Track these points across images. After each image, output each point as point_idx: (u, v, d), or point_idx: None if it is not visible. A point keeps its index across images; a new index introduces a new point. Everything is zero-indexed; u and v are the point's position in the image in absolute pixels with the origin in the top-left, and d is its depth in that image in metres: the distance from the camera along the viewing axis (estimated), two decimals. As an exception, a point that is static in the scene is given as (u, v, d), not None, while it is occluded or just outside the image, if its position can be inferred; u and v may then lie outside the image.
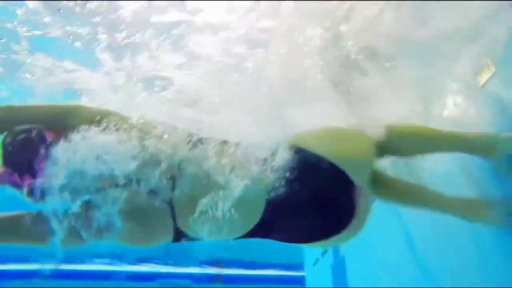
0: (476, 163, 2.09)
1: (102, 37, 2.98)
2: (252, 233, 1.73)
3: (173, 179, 1.61)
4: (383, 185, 1.87)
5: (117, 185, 1.54)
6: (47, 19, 2.94)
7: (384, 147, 1.79)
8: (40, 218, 1.52)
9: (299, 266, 7.77)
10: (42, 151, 1.57)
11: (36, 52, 3.13)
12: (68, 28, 2.99)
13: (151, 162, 1.57)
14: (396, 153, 1.92)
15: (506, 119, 2.02)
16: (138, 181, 1.56)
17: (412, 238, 3.02)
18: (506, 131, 1.97)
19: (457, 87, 2.32)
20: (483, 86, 2.15)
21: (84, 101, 2.27)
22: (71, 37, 3.03)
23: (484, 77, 2.14)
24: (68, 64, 3.16)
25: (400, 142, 1.87)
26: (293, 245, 1.99)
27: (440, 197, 1.93)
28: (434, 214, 2.51)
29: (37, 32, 3.04)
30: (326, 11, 2.25)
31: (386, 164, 1.94)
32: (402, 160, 1.97)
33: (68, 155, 1.50)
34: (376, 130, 1.80)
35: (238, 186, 1.57)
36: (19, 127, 1.63)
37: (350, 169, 1.67)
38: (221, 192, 1.56)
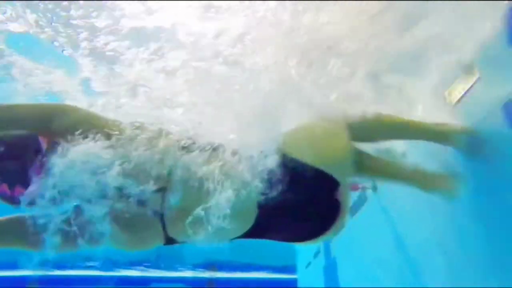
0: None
1: (84, 42, 2.97)
2: (245, 235, 1.76)
3: (162, 191, 1.62)
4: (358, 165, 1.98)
5: (106, 195, 1.53)
6: (28, 20, 2.92)
7: (354, 135, 1.92)
8: (33, 223, 1.52)
9: (291, 269, 7.78)
10: (34, 160, 1.56)
11: (16, 53, 3.10)
12: (49, 30, 2.97)
13: (141, 173, 1.57)
14: (364, 140, 2.08)
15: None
16: (127, 192, 1.55)
17: (403, 239, 3.05)
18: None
19: (429, 100, 2.41)
20: (457, 102, 2.25)
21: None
22: (53, 39, 3.01)
23: (458, 94, 2.23)
24: (48, 67, 3.13)
25: (369, 131, 2.06)
26: (285, 246, 2.06)
27: (401, 169, 2.13)
28: (424, 214, 2.58)
29: (18, 31, 3.01)
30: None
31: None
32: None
33: (62, 165, 1.49)
34: (346, 119, 1.93)
35: (229, 194, 1.58)
36: (11, 134, 1.63)
37: (335, 172, 1.76)
38: (212, 201, 1.57)
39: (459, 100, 2.23)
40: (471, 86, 2.13)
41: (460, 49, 2.15)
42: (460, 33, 2.11)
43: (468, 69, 2.14)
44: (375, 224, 3.50)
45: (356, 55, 2.22)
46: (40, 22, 2.92)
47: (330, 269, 4.84)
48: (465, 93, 2.18)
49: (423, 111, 2.37)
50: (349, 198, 1.92)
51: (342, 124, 1.91)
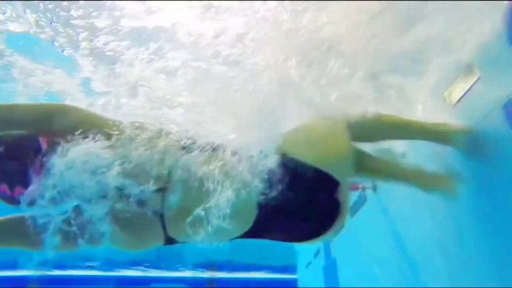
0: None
1: (84, 42, 2.97)
2: (245, 235, 1.76)
3: (162, 191, 1.62)
4: (359, 165, 1.98)
5: (106, 196, 1.53)
6: (28, 19, 2.92)
7: (354, 135, 1.92)
8: (33, 223, 1.52)
9: (291, 269, 7.78)
10: (34, 161, 1.56)
11: (16, 53, 3.10)
12: (49, 30, 2.97)
13: (141, 173, 1.57)
14: (364, 140, 2.09)
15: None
16: (127, 192, 1.55)
17: (403, 238, 3.05)
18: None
19: (430, 102, 2.42)
20: (456, 102, 2.25)
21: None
22: (53, 39, 3.01)
23: (457, 95, 2.23)
24: (48, 67, 3.13)
25: (369, 131, 2.07)
26: (285, 246, 2.06)
27: (402, 169, 2.15)
28: (424, 215, 2.59)
29: (18, 31, 3.01)
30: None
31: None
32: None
33: (60, 165, 1.49)
34: (346, 119, 1.94)
35: (229, 194, 1.58)
36: (12, 134, 1.63)
37: (335, 172, 1.76)
38: (212, 201, 1.57)
39: (459, 100, 2.23)
40: (471, 86, 2.14)
41: (460, 49, 2.15)
42: (460, 33, 2.12)
43: (468, 69, 2.15)
44: (375, 224, 3.50)
45: (356, 55, 2.22)
46: (40, 22, 2.92)
47: (330, 269, 4.85)
48: (465, 93, 2.18)
49: (423, 111, 2.38)
50: (349, 198, 1.92)
51: (342, 124, 1.91)
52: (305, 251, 6.34)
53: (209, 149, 1.70)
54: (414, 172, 2.12)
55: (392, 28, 2.18)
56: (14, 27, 2.96)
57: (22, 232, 1.53)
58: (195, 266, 9.69)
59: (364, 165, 2.02)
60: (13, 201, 1.59)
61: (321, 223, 1.82)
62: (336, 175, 1.76)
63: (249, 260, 9.56)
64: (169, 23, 2.76)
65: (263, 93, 2.04)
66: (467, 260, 2.21)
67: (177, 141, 1.73)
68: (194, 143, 1.73)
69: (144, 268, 9.56)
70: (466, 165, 2.14)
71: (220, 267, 9.67)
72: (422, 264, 2.74)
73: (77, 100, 3.02)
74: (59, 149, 1.51)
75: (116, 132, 1.62)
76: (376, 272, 3.45)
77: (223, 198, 1.57)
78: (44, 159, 1.53)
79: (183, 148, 1.71)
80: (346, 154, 1.85)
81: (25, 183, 1.54)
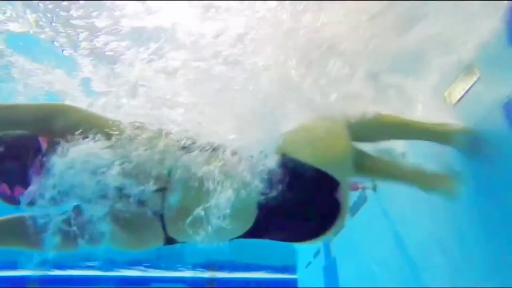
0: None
1: (84, 42, 2.97)
2: (245, 236, 1.77)
3: (163, 191, 1.62)
4: (359, 165, 1.98)
5: (106, 196, 1.53)
6: (28, 19, 2.92)
7: (354, 135, 1.93)
8: (33, 223, 1.52)
9: (291, 269, 7.78)
10: (34, 161, 1.56)
11: (16, 53, 3.10)
12: (49, 30, 2.97)
13: (141, 173, 1.57)
14: (364, 140, 2.10)
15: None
16: (127, 192, 1.55)
17: (403, 238, 3.05)
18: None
19: (430, 101, 2.42)
20: (457, 102, 2.25)
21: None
22: (53, 39, 3.01)
23: (457, 94, 2.23)
24: (48, 67, 3.13)
25: (369, 130, 2.07)
26: (285, 246, 2.06)
27: (404, 168, 2.15)
28: (423, 214, 2.59)
29: (18, 31, 3.01)
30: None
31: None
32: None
33: (60, 165, 1.49)
34: (346, 119, 1.94)
35: (229, 194, 1.58)
36: (12, 134, 1.63)
37: (334, 171, 1.76)
38: (212, 201, 1.57)
39: (459, 100, 2.23)
40: (471, 86, 2.13)
41: (460, 49, 2.15)
42: (460, 33, 2.11)
43: (468, 69, 2.15)
44: (375, 224, 3.50)
45: (356, 55, 2.22)
46: (40, 22, 2.92)
47: (330, 269, 4.85)
48: (465, 93, 2.18)
49: (423, 111, 2.38)
50: (349, 198, 1.92)
51: (342, 124, 1.92)
52: (305, 251, 6.33)
53: (209, 149, 1.70)
54: (414, 172, 2.12)
55: (392, 28, 2.17)
56: (14, 27, 2.96)
57: (22, 232, 1.54)
58: (195, 266, 9.69)
59: (364, 165, 2.02)
60: (13, 201, 1.59)
61: (321, 223, 1.83)
62: (336, 175, 1.76)
63: (249, 260, 9.55)
64: (169, 23, 2.76)
65: (263, 93, 2.03)
66: (467, 260, 2.21)
67: (177, 141, 1.73)
68: (194, 143, 1.73)
69: (144, 268, 9.56)
70: (466, 165, 2.14)
71: (220, 267, 9.67)
72: (422, 264, 2.74)
73: (77, 100, 3.02)
74: (59, 149, 1.52)
75: (116, 132, 1.62)
76: (376, 272, 3.45)
77: (223, 198, 1.57)
78: (44, 159, 1.53)
79: (183, 148, 1.71)
80: (346, 154, 1.85)
81: (25, 183, 1.54)
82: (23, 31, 2.97)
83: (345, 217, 1.84)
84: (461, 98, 2.21)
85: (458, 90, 2.24)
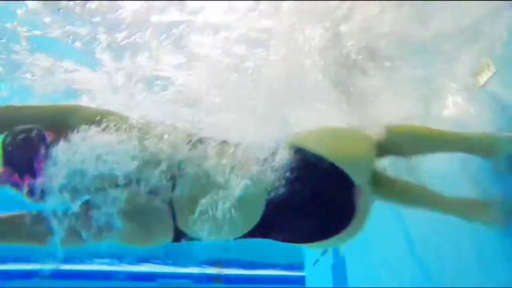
0: (476, 163, 2.08)
1: (102, 37, 2.98)
2: (252, 233, 1.73)
3: (173, 180, 1.62)
4: (383, 185, 1.88)
5: (117, 185, 1.54)
6: (47, 19, 2.95)
7: (384, 147, 1.79)
8: (40, 218, 1.52)
9: (299, 266, 7.76)
10: (42, 151, 1.57)
11: (36, 52, 3.13)
12: (68, 28, 2.99)
13: (151, 162, 1.58)
14: (396, 153, 1.92)
15: (505, 119, 2.02)
16: (138, 181, 1.56)
17: (412, 238, 3.02)
18: (506, 131, 1.96)
19: (457, 87, 2.31)
20: (483, 86, 2.15)
21: (84, 101, 2.27)
22: (71, 37, 3.03)
23: (484, 77, 2.14)
24: (68, 64, 3.16)
25: (400, 142, 1.87)
26: (293, 245, 2.00)
27: (440, 197, 1.93)
28: (434, 214, 2.54)
29: (37, 32, 3.04)
30: (326, 11, 2.24)
31: (386, 164, 1.94)
32: (402, 160, 1.96)
33: (68, 155, 1.50)
34: (375, 130, 1.79)
35: (238, 186, 1.57)
36: (20, 127, 1.64)
37: (350, 169, 1.67)
38: (221, 192, 1.56)
39: (485, 83, 2.10)
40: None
41: (487, 41, 2.05)
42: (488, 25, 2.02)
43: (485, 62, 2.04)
44: (385, 222, 3.46)
45: (374, 47, 2.15)
46: (58, 20, 2.93)
47: (339, 267, 4.82)
48: (491, 77, 2.06)
49: (453, 105, 2.25)
50: (370, 205, 1.78)
51: (371, 138, 1.78)
52: (313, 249, 6.31)
53: (221, 142, 1.69)
54: (450, 201, 1.94)
55: (415, 18, 2.09)
56: (34, 26, 2.98)
57: (27, 228, 1.54)
58: (202, 263, 9.73)
59: (384, 186, 1.87)
60: (28, 192, 1.59)
61: (333, 222, 1.75)
62: (352, 174, 1.67)
63: (256, 258, 9.56)
64: (191, 17, 2.73)
65: (278, 88, 2.00)
66: (479, 262, 2.17)
67: (189, 134, 1.72)
68: (205, 136, 1.72)
69: (151, 264, 9.62)
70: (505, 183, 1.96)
71: (227, 264, 9.69)
72: (433, 265, 2.71)
73: (95, 94, 3.03)
74: (69, 141, 1.52)
75: (129, 126, 1.62)
76: (386, 272, 3.42)
77: (232, 189, 1.56)
78: (54, 150, 1.54)
79: (195, 140, 1.70)
80: (366, 154, 1.73)
81: (36, 174, 1.55)
82: (42, 33, 2.98)
83: (361, 223, 1.74)
84: (487, 81, 2.09)
85: (485, 73, 2.11)
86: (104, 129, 1.56)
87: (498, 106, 2.04)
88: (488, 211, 1.89)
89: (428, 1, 2.08)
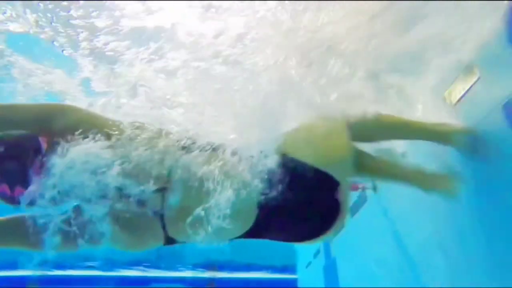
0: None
1: (84, 42, 2.98)
2: (245, 235, 1.77)
3: (163, 191, 1.61)
4: (362, 166, 2.01)
5: (106, 195, 1.53)
6: (28, 19, 2.93)
7: (356, 137, 1.94)
8: (33, 223, 1.52)
9: (291, 269, 7.78)
10: (34, 161, 1.56)
11: (16, 53, 3.10)
12: (49, 30, 2.97)
13: (141, 173, 1.57)
14: (366, 140, 2.12)
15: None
16: (127, 192, 1.55)
17: (403, 238, 3.05)
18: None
19: (429, 100, 2.42)
20: (457, 102, 2.25)
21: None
22: (53, 39, 3.01)
23: (457, 94, 2.24)
24: (48, 67, 3.13)
25: (370, 131, 2.09)
26: (285, 246, 2.06)
27: (404, 168, 2.15)
28: (420, 209, 2.59)
29: (18, 31, 3.01)
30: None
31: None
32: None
33: (60, 165, 1.49)
34: (348, 120, 1.94)
35: (229, 194, 1.58)
36: (12, 134, 1.63)
37: (334, 171, 1.77)
38: (212, 201, 1.57)
39: (459, 100, 2.23)
40: (471, 86, 2.14)
41: (460, 49, 2.15)
42: (460, 33, 2.11)
43: (468, 69, 2.15)
44: (375, 224, 3.50)
45: (356, 55, 2.22)
46: (40, 22, 2.92)
47: (330, 269, 4.85)
48: (465, 93, 2.18)
49: (423, 111, 2.38)
50: (349, 198, 1.92)
51: (342, 124, 1.92)
52: (305, 251, 6.34)
53: (209, 149, 1.70)
54: (414, 172, 2.13)
55: (392, 28, 2.18)
56: (14, 27, 2.96)
57: (22, 232, 1.53)
58: (195, 266, 9.69)
59: (364, 165, 2.02)
60: (13, 201, 1.59)
61: (321, 223, 1.83)
62: (336, 175, 1.77)
63: (249, 260, 9.55)
64: (169, 23, 2.76)
65: (263, 93, 2.03)
66: (467, 260, 2.21)
67: (177, 141, 1.72)
68: (194, 143, 1.73)
69: (144, 268, 9.56)
70: (466, 165, 2.14)
71: (220, 267, 9.67)
72: (422, 264, 2.74)
73: (77, 100, 3.03)
74: (59, 149, 1.51)
75: (116, 132, 1.62)
76: (376, 272, 3.45)
77: (223, 198, 1.57)
78: (44, 159, 1.53)
79: (183, 148, 1.71)
80: (346, 154, 1.85)
81: (25, 183, 1.54)
82: (23, 31, 2.97)
83: (345, 217, 1.84)
84: (461, 98, 2.22)
85: (458, 90, 2.24)
86: (94, 138, 1.54)
87: (469, 123, 2.16)
88: (445, 182, 2.07)
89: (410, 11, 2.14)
